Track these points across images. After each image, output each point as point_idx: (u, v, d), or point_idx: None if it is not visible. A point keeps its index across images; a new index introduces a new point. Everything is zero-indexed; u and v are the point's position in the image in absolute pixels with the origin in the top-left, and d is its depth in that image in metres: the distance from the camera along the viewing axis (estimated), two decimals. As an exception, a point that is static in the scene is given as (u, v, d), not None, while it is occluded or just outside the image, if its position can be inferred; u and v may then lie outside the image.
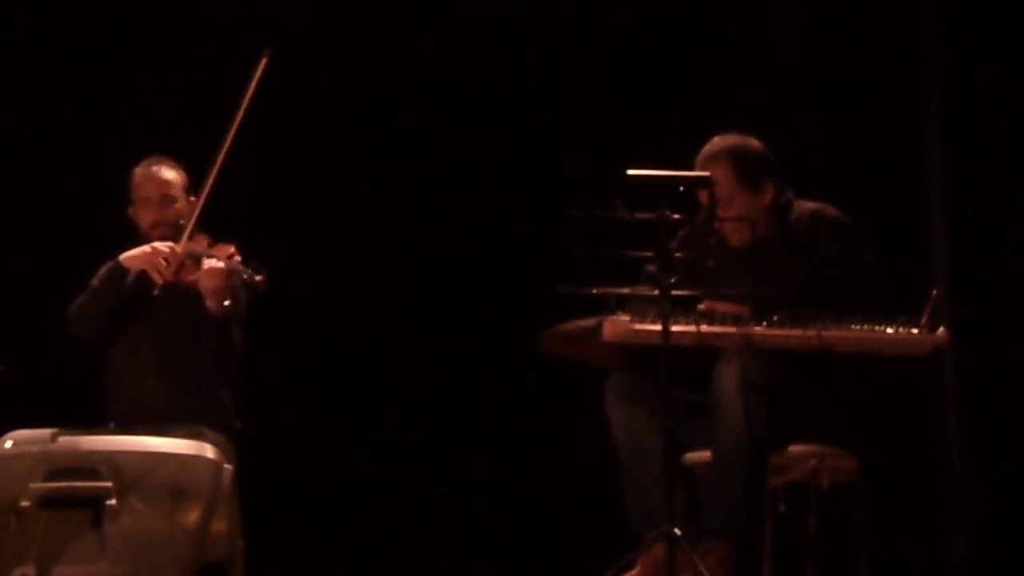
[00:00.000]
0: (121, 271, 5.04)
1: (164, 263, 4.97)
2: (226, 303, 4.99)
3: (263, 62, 5.08)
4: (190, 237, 5.06)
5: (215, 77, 6.04)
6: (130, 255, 5.03)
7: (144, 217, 5.17)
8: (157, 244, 5.01)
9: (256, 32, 6.11)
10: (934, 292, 4.62)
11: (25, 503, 4.38)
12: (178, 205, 5.16)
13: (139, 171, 5.21)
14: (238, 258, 5.05)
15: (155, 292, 4.99)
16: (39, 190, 6.13)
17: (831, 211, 4.84)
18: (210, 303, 4.98)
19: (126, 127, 6.06)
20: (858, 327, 4.57)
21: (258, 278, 4.98)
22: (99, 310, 5.07)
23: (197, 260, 5.02)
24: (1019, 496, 5.68)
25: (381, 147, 6.23)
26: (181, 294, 5.04)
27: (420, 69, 6.24)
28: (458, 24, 6.23)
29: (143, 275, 5.02)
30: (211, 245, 5.10)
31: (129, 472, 4.42)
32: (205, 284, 4.97)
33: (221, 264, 4.98)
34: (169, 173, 5.18)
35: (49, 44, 6.20)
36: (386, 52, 6.26)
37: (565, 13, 6.21)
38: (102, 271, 5.10)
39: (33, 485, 4.40)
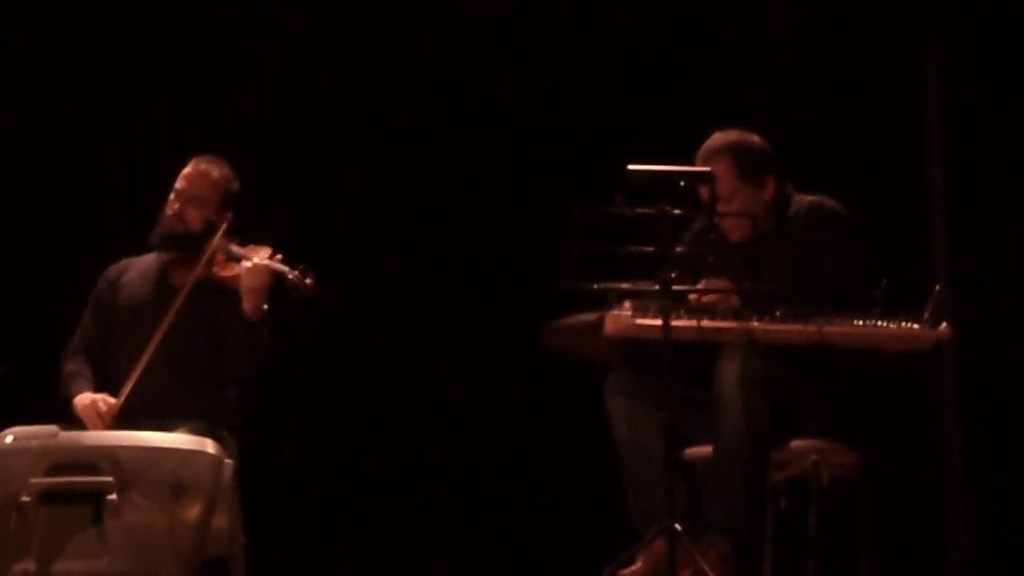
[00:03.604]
0: (71, 407, 5.01)
1: (98, 417, 4.90)
2: (264, 307, 4.92)
3: (224, 226, 5.04)
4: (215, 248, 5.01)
5: (217, 77, 6.08)
6: (77, 402, 4.99)
7: (169, 206, 5.12)
8: (98, 399, 4.94)
9: (258, 33, 6.16)
10: (936, 287, 4.62)
11: (26, 498, 4.37)
12: (201, 211, 5.08)
13: (191, 162, 5.16)
14: (279, 257, 4.96)
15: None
16: (40, 190, 6.13)
17: (829, 203, 4.84)
18: (247, 304, 4.90)
19: (127, 128, 6.07)
20: (860, 322, 4.57)
21: (308, 281, 4.90)
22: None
23: (234, 258, 4.98)
24: (1021, 491, 5.67)
25: (384, 146, 6.24)
26: (204, 292, 4.99)
27: (421, 68, 6.25)
28: (458, 24, 6.23)
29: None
30: (243, 246, 5.03)
31: (130, 467, 4.41)
32: (247, 283, 4.89)
33: (265, 262, 4.90)
34: (213, 176, 5.12)
35: (50, 44, 6.22)
36: (387, 51, 6.26)
37: (565, 12, 6.21)
38: (64, 391, 5.06)
39: (34, 480, 4.39)
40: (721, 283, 4.68)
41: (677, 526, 4.36)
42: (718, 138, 4.86)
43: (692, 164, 4.80)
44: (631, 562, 4.58)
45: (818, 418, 4.68)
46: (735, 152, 4.82)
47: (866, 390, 4.71)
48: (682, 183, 4.54)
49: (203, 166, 5.14)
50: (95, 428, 4.88)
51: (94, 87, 6.18)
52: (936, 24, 5.91)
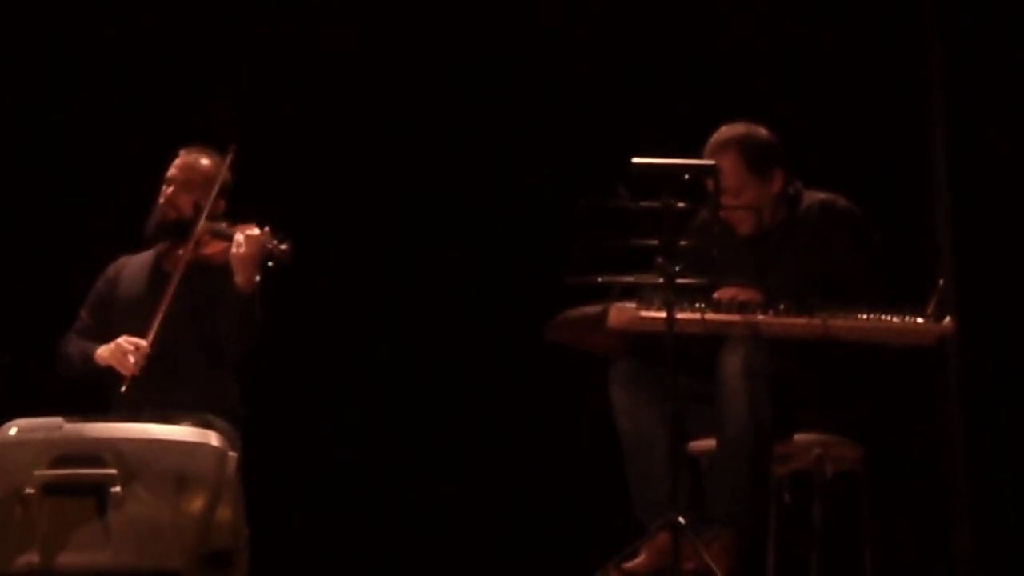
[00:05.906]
0: (92, 362, 5.03)
1: (129, 359, 4.92)
2: (257, 279, 4.92)
3: (229, 157, 5.09)
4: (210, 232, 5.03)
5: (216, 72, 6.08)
6: (100, 352, 5.00)
7: (161, 194, 5.14)
8: (123, 341, 4.95)
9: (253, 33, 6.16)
10: (940, 282, 4.62)
11: (30, 490, 4.36)
12: (191, 196, 5.09)
13: (181, 152, 5.20)
14: (267, 229, 4.96)
15: (123, 388, 4.92)
16: (42, 181, 6.13)
17: (841, 201, 4.85)
18: (239, 276, 4.90)
19: (125, 123, 6.07)
20: (864, 316, 4.57)
21: (283, 247, 4.92)
22: (78, 378, 5.10)
23: (222, 236, 4.99)
24: (1023, 485, 5.68)
25: (388, 138, 6.23)
26: (196, 272, 5.01)
27: (426, 60, 6.24)
28: (463, 14, 6.22)
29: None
30: (231, 226, 5.04)
31: (134, 459, 4.40)
32: (238, 252, 4.90)
33: (256, 231, 4.91)
34: (203, 163, 5.14)
35: (51, 42, 6.22)
36: (392, 44, 6.26)
37: (571, 5, 6.20)
38: (79, 354, 5.06)
39: (38, 472, 4.38)
40: (746, 292, 4.68)
41: (681, 519, 4.37)
42: (725, 132, 4.86)
43: (699, 158, 4.79)
44: (635, 555, 4.58)
45: (822, 412, 4.68)
46: (743, 145, 4.82)
47: (870, 384, 4.71)
48: (687, 176, 4.54)
49: (194, 155, 5.18)
50: (126, 369, 4.90)
51: (94, 84, 6.18)
52: (940, 21, 5.90)
